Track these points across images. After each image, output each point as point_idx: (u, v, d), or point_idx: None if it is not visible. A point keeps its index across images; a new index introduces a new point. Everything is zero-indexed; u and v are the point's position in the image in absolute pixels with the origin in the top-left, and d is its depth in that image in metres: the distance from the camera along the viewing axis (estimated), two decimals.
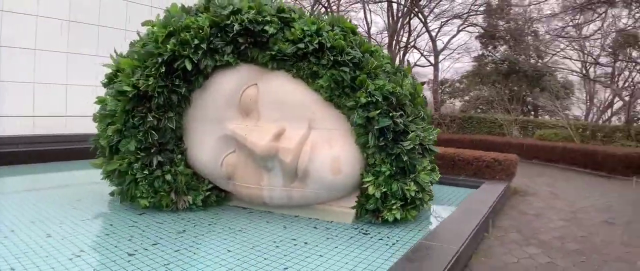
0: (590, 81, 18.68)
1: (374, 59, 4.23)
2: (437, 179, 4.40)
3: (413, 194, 4.03)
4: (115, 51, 4.69)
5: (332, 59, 4.07)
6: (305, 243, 3.55)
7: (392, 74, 4.39)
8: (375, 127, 3.90)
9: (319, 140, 4.08)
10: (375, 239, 3.72)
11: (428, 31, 22.36)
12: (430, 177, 4.19)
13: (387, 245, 3.58)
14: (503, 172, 6.76)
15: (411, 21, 23.80)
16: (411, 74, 4.84)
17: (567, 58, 20.38)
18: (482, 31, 24.30)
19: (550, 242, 4.22)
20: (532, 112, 24.69)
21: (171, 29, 4.10)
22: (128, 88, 4.00)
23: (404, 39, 24.86)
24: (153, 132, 4.09)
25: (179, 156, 4.35)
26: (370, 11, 25.21)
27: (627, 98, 16.35)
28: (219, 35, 4.19)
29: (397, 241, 3.69)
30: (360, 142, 4.06)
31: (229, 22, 4.14)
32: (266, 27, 4.17)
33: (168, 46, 4.00)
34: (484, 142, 12.95)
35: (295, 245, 3.49)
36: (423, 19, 21.47)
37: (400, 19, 22.35)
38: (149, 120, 4.06)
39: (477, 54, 25.65)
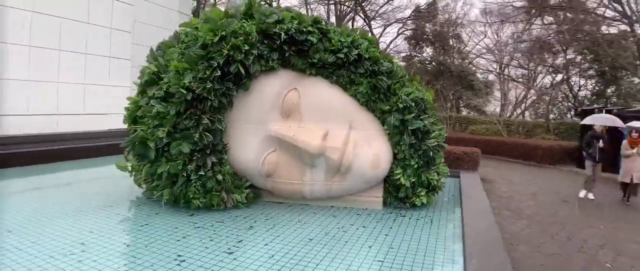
0: (505, 80, 21.63)
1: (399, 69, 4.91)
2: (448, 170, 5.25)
3: (435, 182, 4.81)
4: (151, 51, 4.71)
5: (369, 68, 4.67)
6: (364, 227, 4.11)
7: (410, 81, 5.12)
8: (409, 128, 4.59)
9: (360, 139, 4.64)
10: (413, 219, 4.43)
11: (371, 32, 23.75)
12: (447, 168, 5.02)
13: (428, 223, 4.30)
14: (471, 162, 7.93)
15: (354, 22, 25.03)
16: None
17: (495, 62, 23.21)
18: (412, 33, 26.51)
19: (533, 216, 5.34)
20: (455, 109, 27.63)
21: (223, 33, 4.30)
22: (183, 91, 4.13)
23: None
24: (207, 134, 4.28)
25: (226, 156, 4.58)
26: (311, 10, 25.98)
27: (545, 98, 19.27)
28: (265, 42, 4.51)
29: (432, 219, 4.43)
30: (394, 140, 4.72)
31: (276, 30, 4.48)
32: (309, 37, 4.60)
33: (224, 50, 4.20)
34: None
35: (356, 229, 4.03)
36: (368, 21, 22.76)
37: (343, 19, 23.46)
38: (204, 122, 4.23)
39: (405, 54, 27.94)
